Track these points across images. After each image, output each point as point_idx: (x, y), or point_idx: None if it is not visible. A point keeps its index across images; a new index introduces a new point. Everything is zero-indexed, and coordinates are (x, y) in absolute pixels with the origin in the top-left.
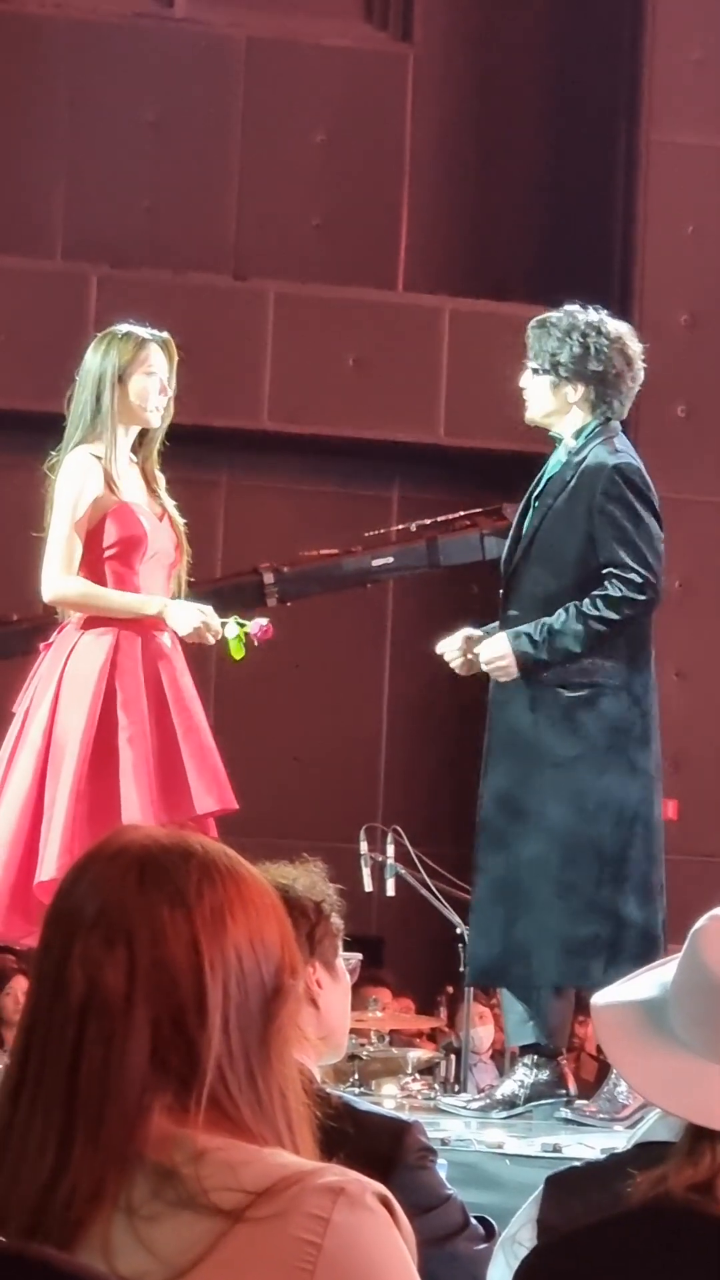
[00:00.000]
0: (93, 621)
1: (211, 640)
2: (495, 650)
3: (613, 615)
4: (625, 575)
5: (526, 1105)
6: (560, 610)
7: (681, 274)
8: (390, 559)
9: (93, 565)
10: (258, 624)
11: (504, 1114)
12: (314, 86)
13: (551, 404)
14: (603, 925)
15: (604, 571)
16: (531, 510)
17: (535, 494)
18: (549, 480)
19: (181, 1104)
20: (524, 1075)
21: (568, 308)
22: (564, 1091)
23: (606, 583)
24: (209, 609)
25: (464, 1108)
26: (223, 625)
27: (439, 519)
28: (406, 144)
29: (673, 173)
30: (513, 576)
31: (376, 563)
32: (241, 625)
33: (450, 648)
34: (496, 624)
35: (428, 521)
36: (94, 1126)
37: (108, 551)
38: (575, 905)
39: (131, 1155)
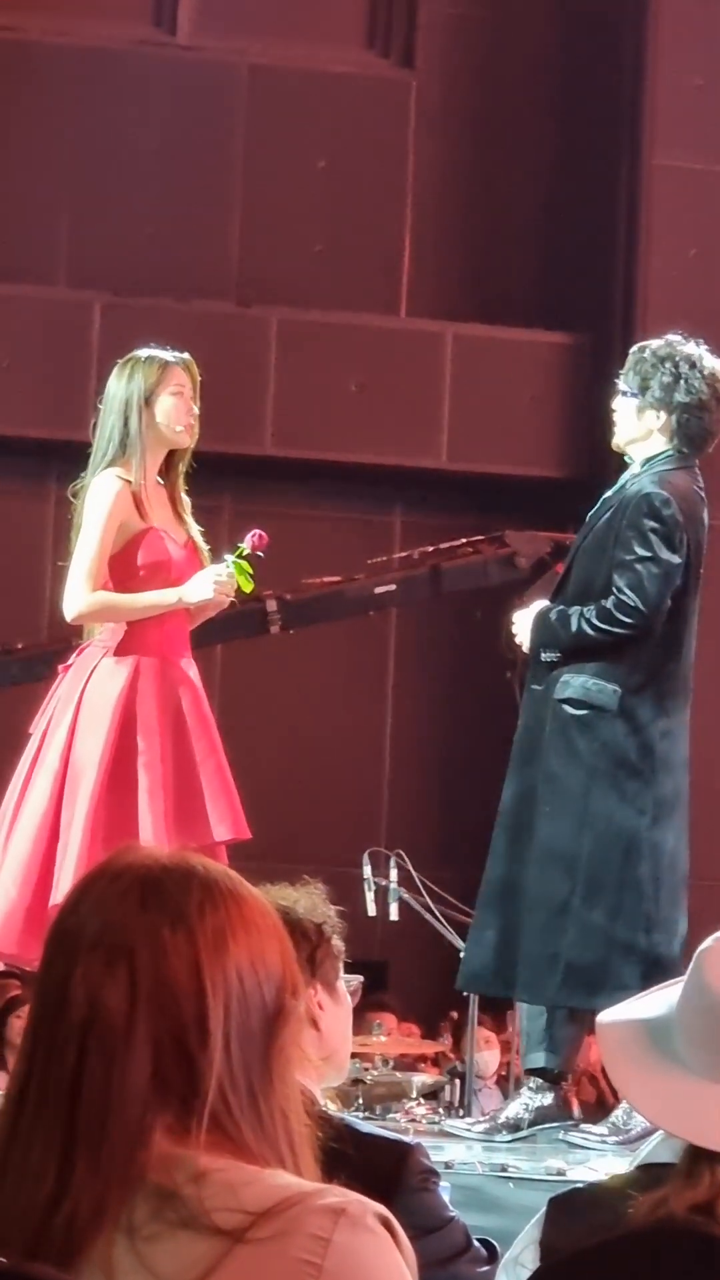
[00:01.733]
0: (113, 646)
1: (233, 590)
2: (525, 616)
3: (599, 625)
4: (620, 596)
5: (530, 1129)
6: (579, 607)
7: (684, 298)
8: (393, 586)
9: (119, 589)
10: (249, 539)
11: (508, 1137)
12: (316, 113)
13: (635, 429)
14: (563, 946)
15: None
16: (581, 531)
17: (590, 515)
18: (602, 502)
19: (183, 1124)
20: (528, 1099)
21: (670, 337)
22: (568, 1116)
23: (610, 594)
24: (211, 568)
25: (468, 1130)
26: (228, 574)
27: (441, 546)
28: (409, 170)
29: (675, 197)
30: (556, 594)
31: (379, 590)
32: (238, 560)
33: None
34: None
35: (430, 549)
36: (95, 1146)
37: (138, 575)
38: (542, 920)
39: (133, 1175)
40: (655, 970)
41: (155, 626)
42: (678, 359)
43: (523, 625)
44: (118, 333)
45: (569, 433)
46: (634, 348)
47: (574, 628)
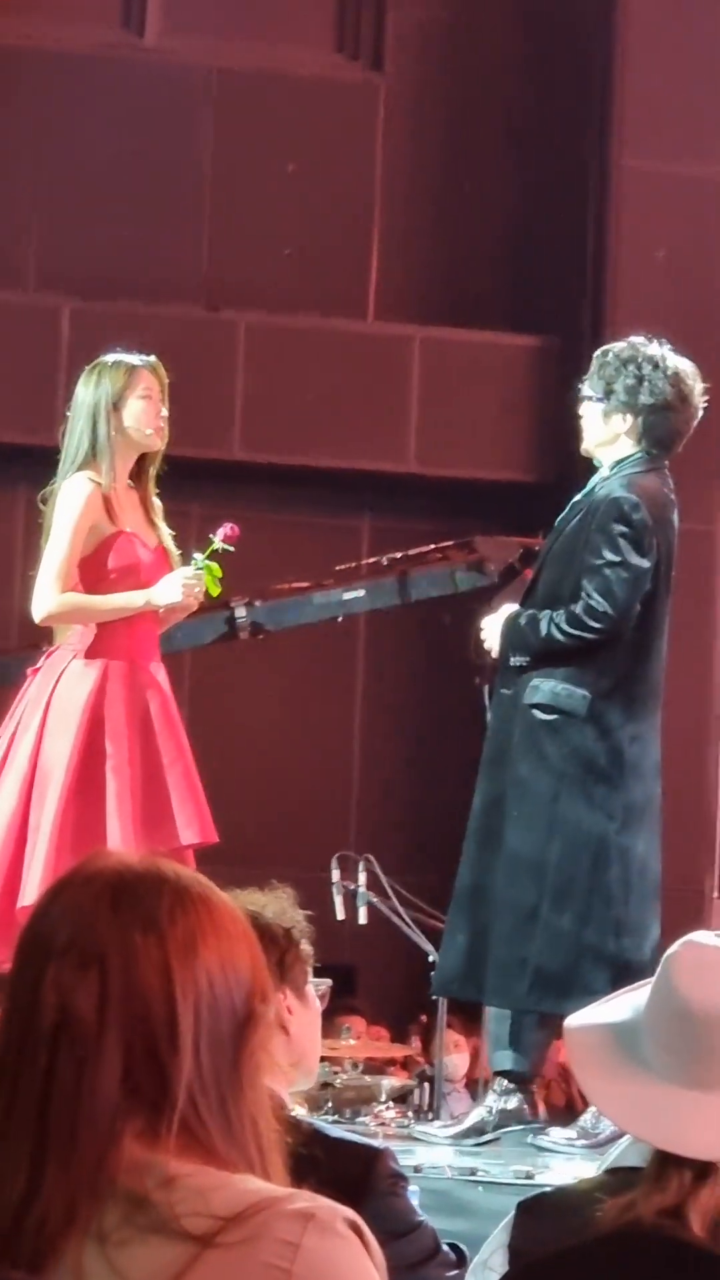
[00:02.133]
0: (82, 650)
1: (201, 594)
2: (494, 621)
3: (568, 630)
4: (589, 601)
5: (495, 1132)
6: (548, 610)
7: (652, 300)
8: (362, 592)
9: (89, 591)
10: (221, 532)
11: (473, 1141)
12: (285, 117)
13: (602, 433)
14: (531, 951)
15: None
16: (550, 535)
17: (559, 520)
18: (571, 506)
19: (153, 1129)
20: (493, 1102)
21: (633, 339)
22: (533, 1119)
23: (579, 599)
24: (179, 570)
25: (435, 1135)
26: (197, 574)
27: (410, 552)
28: (377, 174)
29: (643, 199)
30: (526, 599)
31: (348, 596)
32: (207, 562)
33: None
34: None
35: (399, 555)
36: (66, 1152)
37: (108, 579)
38: (511, 925)
39: (103, 1180)
40: (625, 975)
41: (124, 630)
42: (640, 360)
43: (491, 629)
44: (87, 337)
45: (538, 436)
46: (597, 352)
47: (543, 632)
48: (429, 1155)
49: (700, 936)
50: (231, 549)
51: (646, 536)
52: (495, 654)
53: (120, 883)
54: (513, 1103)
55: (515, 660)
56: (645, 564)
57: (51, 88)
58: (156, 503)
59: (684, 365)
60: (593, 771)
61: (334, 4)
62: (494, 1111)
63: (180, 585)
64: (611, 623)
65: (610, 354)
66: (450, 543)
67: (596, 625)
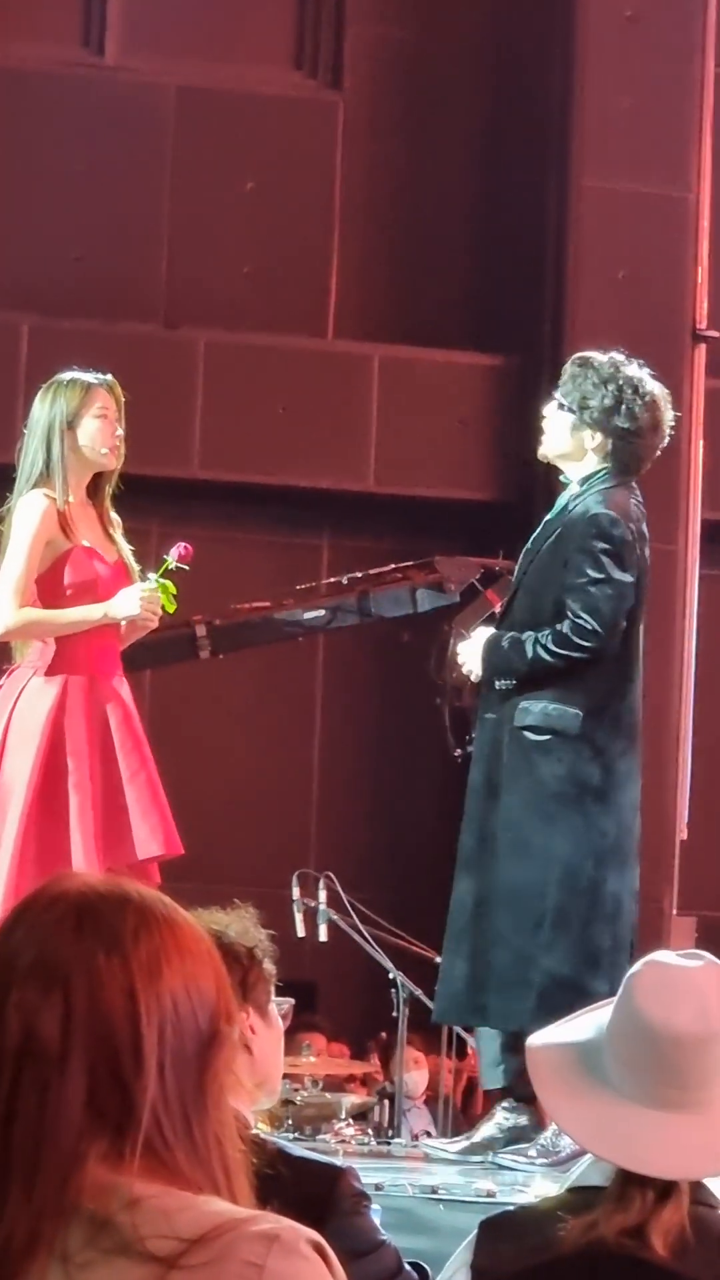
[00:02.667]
0: (42, 667)
1: (159, 608)
2: (472, 645)
3: (556, 650)
4: (576, 620)
5: (510, 1148)
6: (531, 632)
7: (612, 320)
8: (322, 612)
9: (47, 608)
10: (175, 551)
11: (481, 1158)
12: (244, 135)
13: (567, 444)
14: (535, 975)
15: (563, 610)
16: (526, 554)
17: (532, 539)
18: (544, 525)
19: (117, 1151)
20: (502, 1119)
21: (614, 356)
22: (541, 1134)
23: (565, 618)
24: (137, 584)
25: (443, 1150)
26: (150, 592)
27: (370, 572)
28: (336, 192)
29: (603, 219)
30: (502, 620)
31: (308, 615)
32: (161, 580)
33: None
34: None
35: (359, 574)
36: (29, 1174)
37: (65, 594)
38: (514, 947)
39: (67, 1202)
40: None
41: (83, 645)
42: (621, 382)
43: (471, 654)
44: (45, 354)
45: (497, 455)
46: (575, 359)
47: (530, 654)
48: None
49: (662, 956)
50: (186, 568)
51: (628, 552)
52: (476, 678)
53: (84, 904)
54: (524, 1119)
55: (501, 684)
56: (629, 579)
57: (11, 105)
58: (115, 518)
59: (659, 391)
60: (588, 790)
61: (293, 22)
62: (504, 1129)
63: (138, 599)
64: (600, 640)
65: (590, 367)
66: (410, 562)
67: (585, 644)
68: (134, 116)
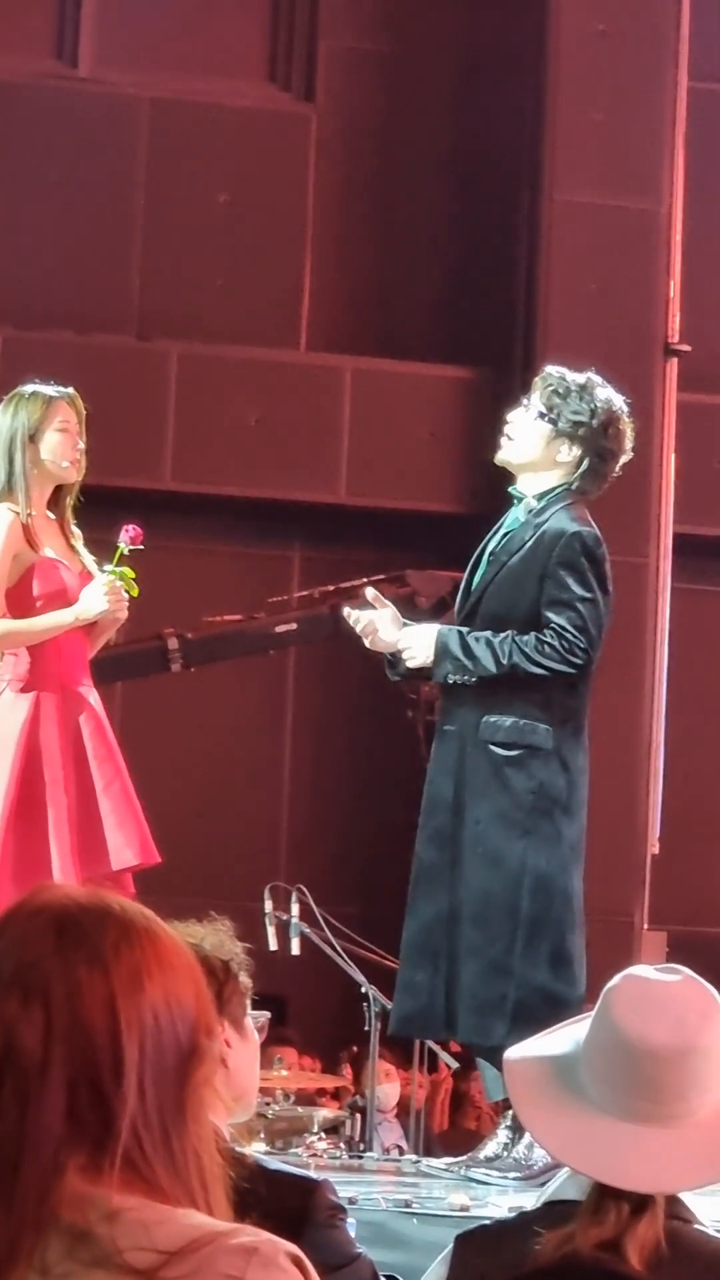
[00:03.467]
0: (14, 681)
1: (124, 599)
2: (420, 632)
3: (540, 660)
4: (565, 637)
5: (544, 1166)
6: (505, 634)
7: (585, 333)
8: (293, 625)
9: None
10: (125, 535)
11: (483, 1172)
12: (217, 147)
13: (538, 453)
14: (510, 988)
15: (546, 624)
16: (484, 565)
17: (489, 549)
18: (507, 537)
19: (96, 1164)
20: (505, 1135)
21: (591, 376)
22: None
23: (548, 630)
24: (96, 580)
25: (445, 1170)
26: (111, 581)
27: (341, 585)
28: (309, 204)
29: (576, 232)
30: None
31: (280, 629)
32: (116, 568)
33: (368, 614)
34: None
35: (331, 588)
36: (8, 1187)
37: (35, 605)
38: (485, 963)
39: (45, 1215)
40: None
41: (54, 657)
42: (607, 403)
43: (417, 642)
44: (17, 366)
45: (468, 467)
46: (554, 372)
47: (506, 657)
48: (363, 1187)
49: (640, 970)
50: (140, 548)
51: (608, 571)
52: (416, 665)
53: (66, 917)
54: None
55: (454, 679)
56: (608, 600)
57: None
58: (76, 530)
59: (629, 423)
60: (558, 804)
61: (266, 35)
62: (509, 1144)
63: (102, 593)
64: (588, 660)
65: (568, 382)
66: (381, 576)
67: (574, 660)
68: (107, 128)
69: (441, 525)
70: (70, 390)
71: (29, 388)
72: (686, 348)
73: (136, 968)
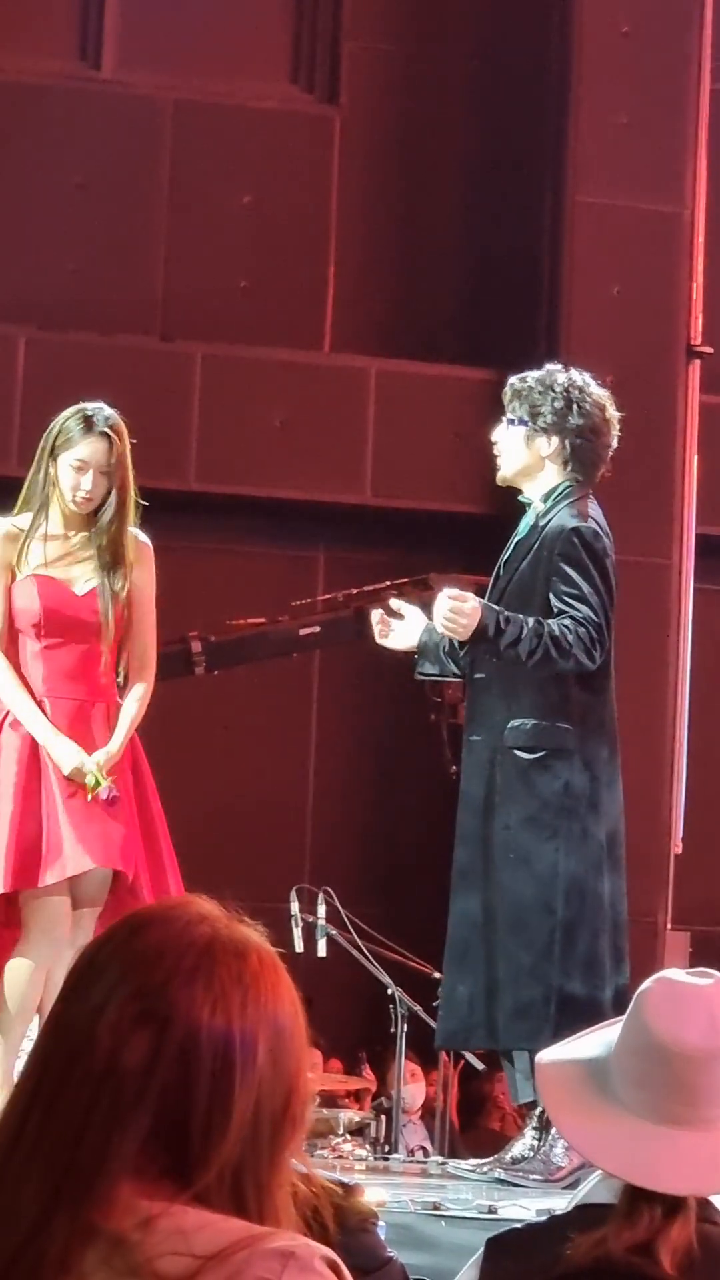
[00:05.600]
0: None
1: (91, 782)
2: (464, 599)
3: (573, 651)
4: (585, 624)
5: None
6: (535, 620)
7: (607, 335)
8: (317, 629)
9: (12, 635)
10: (106, 789)
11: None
12: (241, 149)
13: (524, 457)
14: (550, 991)
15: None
16: (499, 576)
17: (504, 560)
18: (516, 545)
19: (156, 1189)
20: (531, 1137)
21: (549, 367)
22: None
23: (569, 619)
24: (85, 759)
25: (472, 1171)
26: (96, 772)
27: (365, 589)
28: (333, 206)
29: (598, 234)
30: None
31: (304, 632)
32: (98, 780)
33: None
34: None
35: (354, 591)
36: (79, 1201)
37: (13, 624)
38: (526, 966)
39: (96, 1226)
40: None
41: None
42: (567, 385)
43: (460, 602)
44: (42, 367)
45: (493, 469)
46: (513, 379)
47: (540, 641)
48: (392, 1190)
49: (672, 973)
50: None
51: (610, 565)
52: (463, 633)
53: (208, 950)
54: (555, 1133)
55: (497, 652)
56: (612, 594)
57: (8, 118)
58: (124, 547)
59: (603, 393)
60: (582, 801)
61: (290, 36)
62: (537, 1145)
63: (75, 766)
64: (603, 654)
65: (530, 379)
66: (405, 580)
67: (596, 655)
68: (131, 130)
69: (466, 527)
70: (106, 428)
71: (79, 408)
72: (709, 350)
73: (256, 1028)
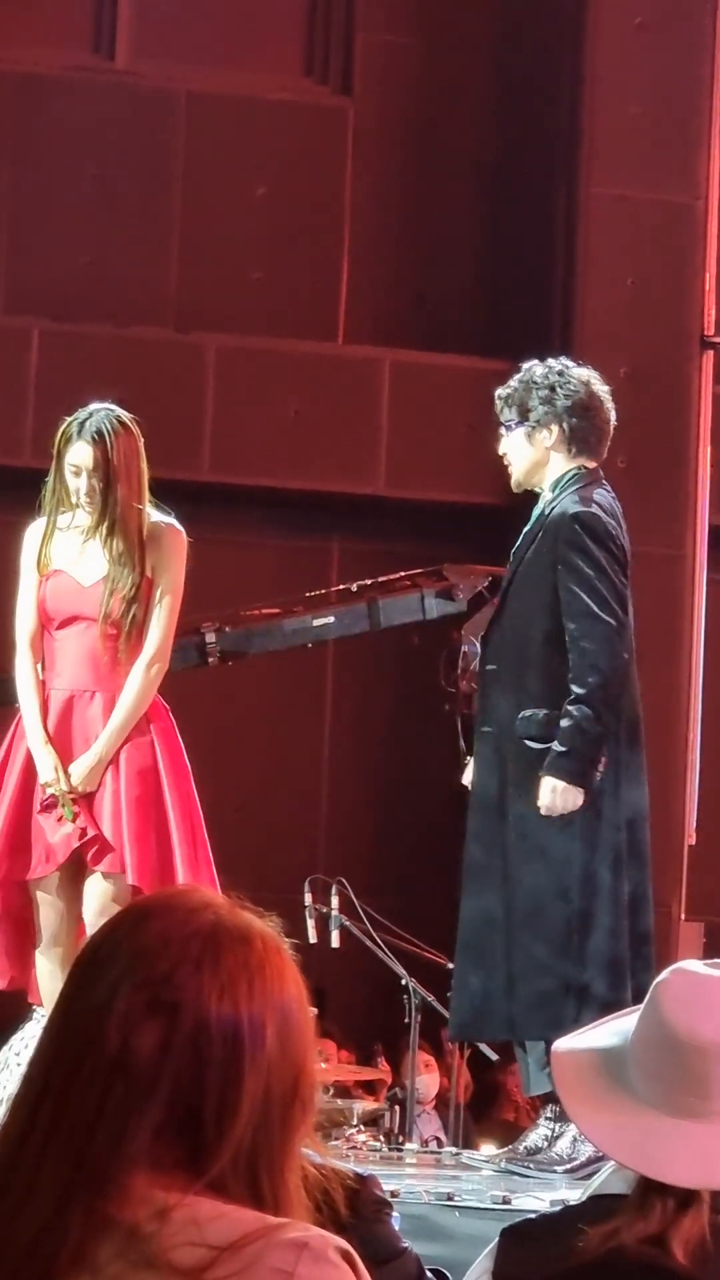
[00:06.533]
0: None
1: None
2: (546, 797)
3: (600, 683)
4: (585, 651)
5: (586, 1159)
6: (561, 720)
7: (621, 326)
8: (331, 619)
9: (40, 632)
10: (69, 812)
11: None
12: (254, 140)
13: (530, 455)
14: (568, 981)
15: (569, 643)
16: (510, 565)
17: (514, 549)
18: (525, 534)
19: (170, 1179)
20: (546, 1128)
21: (525, 364)
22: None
23: (571, 653)
24: (61, 779)
25: (487, 1161)
26: (62, 795)
27: (379, 579)
28: (346, 197)
29: (612, 225)
30: (490, 630)
31: (318, 623)
32: (69, 810)
33: None
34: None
35: (369, 582)
36: (94, 1193)
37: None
38: (542, 956)
39: (110, 1217)
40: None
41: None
42: (547, 374)
43: (549, 801)
44: (56, 359)
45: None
46: (497, 392)
47: (584, 714)
48: (406, 1180)
49: (690, 964)
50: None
51: (614, 545)
52: (567, 809)
53: (212, 937)
54: (569, 1125)
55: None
56: (623, 570)
57: (22, 110)
58: (120, 542)
59: (587, 371)
60: (600, 790)
61: (303, 28)
62: (550, 1136)
63: (48, 780)
64: (624, 647)
65: (511, 384)
66: (419, 570)
67: (616, 660)
68: (144, 122)
69: (480, 518)
70: (89, 428)
71: (84, 411)
72: None
73: (263, 1012)
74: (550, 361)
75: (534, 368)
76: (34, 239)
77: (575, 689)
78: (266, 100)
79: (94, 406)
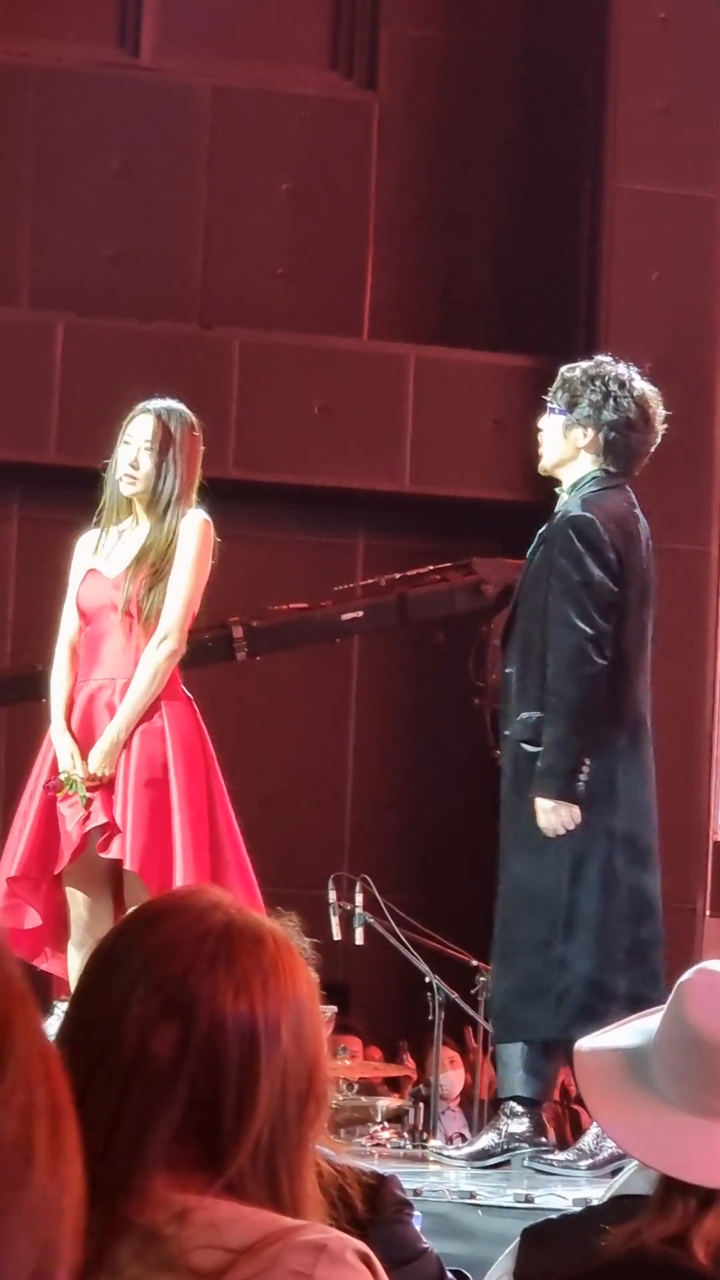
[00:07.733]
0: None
1: (62, 780)
2: (541, 819)
3: (574, 696)
4: (557, 650)
5: (504, 1155)
6: (544, 730)
7: (646, 321)
8: (359, 614)
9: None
10: (81, 799)
11: (483, 1164)
12: (280, 135)
13: (561, 447)
14: (557, 978)
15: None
16: (523, 567)
17: (529, 552)
18: (537, 536)
19: (188, 1181)
20: (503, 1125)
21: (600, 358)
22: (543, 1141)
23: (550, 658)
24: (77, 764)
25: (450, 1157)
26: (75, 780)
27: (408, 573)
28: (372, 192)
29: (637, 221)
30: (507, 631)
31: (345, 617)
32: (82, 794)
33: None
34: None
35: (397, 575)
36: (114, 1194)
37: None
38: (530, 958)
39: (129, 1220)
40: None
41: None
42: (607, 378)
43: (547, 823)
44: (80, 354)
45: (531, 456)
46: (564, 368)
47: (557, 736)
48: (429, 1178)
49: (714, 964)
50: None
51: (605, 550)
52: (571, 820)
53: (225, 937)
54: (522, 1126)
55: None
56: (615, 576)
57: (47, 105)
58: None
59: (649, 389)
60: (593, 794)
61: (328, 22)
62: (504, 1134)
63: (65, 768)
64: (604, 636)
65: (577, 370)
66: (448, 564)
67: (596, 660)
68: (169, 116)
69: (504, 514)
70: (158, 406)
71: (163, 400)
72: None
73: (277, 1009)
74: (623, 369)
75: (605, 365)
76: (59, 234)
77: (550, 699)
78: (291, 95)
79: (167, 400)
